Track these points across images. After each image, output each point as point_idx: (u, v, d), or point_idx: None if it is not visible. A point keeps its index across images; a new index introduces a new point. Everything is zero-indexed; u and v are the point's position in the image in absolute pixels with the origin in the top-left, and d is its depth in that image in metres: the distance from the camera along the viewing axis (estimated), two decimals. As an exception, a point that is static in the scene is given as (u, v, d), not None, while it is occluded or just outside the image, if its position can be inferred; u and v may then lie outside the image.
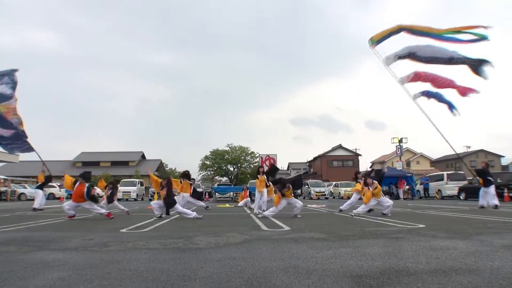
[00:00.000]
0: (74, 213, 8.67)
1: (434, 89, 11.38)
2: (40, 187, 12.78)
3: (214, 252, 3.75)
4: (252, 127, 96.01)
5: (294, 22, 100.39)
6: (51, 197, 28.61)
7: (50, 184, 31.59)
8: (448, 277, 2.59)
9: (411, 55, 11.06)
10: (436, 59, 10.79)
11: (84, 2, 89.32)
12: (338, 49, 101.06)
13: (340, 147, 52.69)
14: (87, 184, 8.43)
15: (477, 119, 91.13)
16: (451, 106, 11.35)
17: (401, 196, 23.28)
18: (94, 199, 8.33)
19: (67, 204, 8.57)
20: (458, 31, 10.60)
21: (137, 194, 26.55)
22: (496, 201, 10.67)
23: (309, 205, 15.13)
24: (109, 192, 9.50)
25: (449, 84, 11.01)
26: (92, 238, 5.02)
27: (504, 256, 3.35)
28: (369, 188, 8.76)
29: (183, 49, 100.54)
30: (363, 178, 9.81)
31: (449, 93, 11.28)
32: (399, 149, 31.85)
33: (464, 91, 10.78)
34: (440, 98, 11.42)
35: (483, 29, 10.17)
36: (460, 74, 10.73)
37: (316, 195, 27.18)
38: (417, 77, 11.32)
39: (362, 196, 9.39)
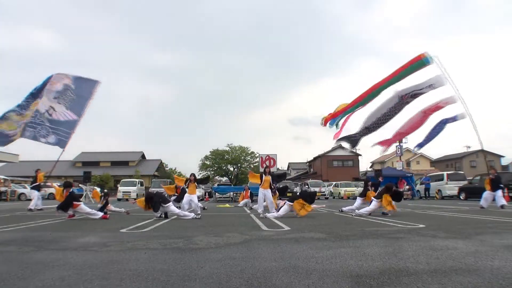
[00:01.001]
0: (73, 213, 8.68)
1: (418, 139, 11.79)
2: (36, 187, 12.70)
3: (214, 252, 3.75)
4: (252, 127, 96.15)
5: (293, 22, 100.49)
6: (51, 197, 28.62)
7: (49, 184, 31.62)
8: (448, 277, 2.59)
9: (365, 131, 11.10)
10: (386, 115, 10.64)
11: (84, 3, 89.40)
12: (337, 49, 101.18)
13: (340, 147, 52.49)
14: (70, 190, 8.83)
15: (477, 119, 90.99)
16: (446, 122, 11.45)
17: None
18: (66, 206, 8.43)
19: None
20: (401, 73, 10.30)
21: (137, 194, 26.53)
22: (504, 202, 11.07)
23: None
24: (104, 201, 9.72)
25: (416, 125, 11.10)
26: (91, 238, 5.02)
27: (504, 256, 3.35)
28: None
29: (183, 49, 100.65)
30: (373, 187, 9.95)
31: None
32: (399, 149, 31.83)
33: (432, 111, 10.85)
34: (430, 137, 11.59)
35: (423, 56, 9.95)
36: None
37: (316, 195, 27.18)
38: (388, 143, 11.45)
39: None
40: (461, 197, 19.24)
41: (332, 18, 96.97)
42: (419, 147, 11.86)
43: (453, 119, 11.28)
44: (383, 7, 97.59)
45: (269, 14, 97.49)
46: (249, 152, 55.74)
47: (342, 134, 11.46)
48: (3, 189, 25.58)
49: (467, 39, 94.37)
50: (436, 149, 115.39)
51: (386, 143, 11.42)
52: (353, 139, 11.35)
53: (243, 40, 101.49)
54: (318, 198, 26.74)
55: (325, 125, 11.69)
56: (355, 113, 11.45)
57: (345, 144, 11.70)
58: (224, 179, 58.01)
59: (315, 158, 55.93)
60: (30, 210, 11.82)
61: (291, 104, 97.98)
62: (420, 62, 9.88)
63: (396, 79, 10.28)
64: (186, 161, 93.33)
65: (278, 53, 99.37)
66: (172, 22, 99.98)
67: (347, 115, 11.53)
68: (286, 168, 71.33)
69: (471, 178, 21.08)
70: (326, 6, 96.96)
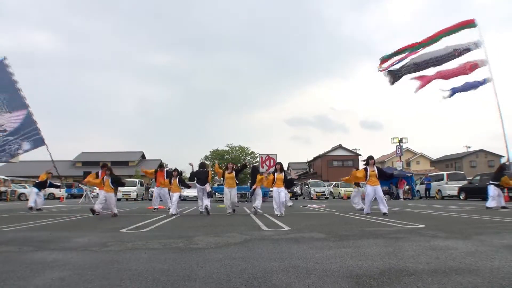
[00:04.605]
0: (100, 210, 9.30)
1: (458, 84, 12.34)
2: (37, 185, 12.67)
3: (214, 252, 3.75)
4: (251, 127, 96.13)
5: (291, 23, 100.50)
6: (50, 197, 28.61)
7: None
8: (448, 277, 2.59)
9: (413, 66, 11.92)
10: (436, 59, 11.59)
11: (84, 4, 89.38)
12: (335, 50, 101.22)
13: (340, 147, 52.69)
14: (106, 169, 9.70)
15: (477, 119, 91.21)
16: (479, 84, 11.91)
17: (401, 196, 23.28)
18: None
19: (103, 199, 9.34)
20: (446, 32, 11.90)
21: (137, 194, 26.56)
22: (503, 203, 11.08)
23: (309, 205, 15.13)
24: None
25: (458, 71, 11.78)
26: (91, 238, 5.02)
27: (504, 256, 3.35)
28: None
29: (182, 49, 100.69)
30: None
31: (463, 79, 12.20)
32: (399, 149, 31.85)
33: (472, 67, 11.60)
34: (465, 87, 12.03)
35: (472, 22, 11.48)
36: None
37: (316, 195, 27.17)
38: (425, 80, 12.04)
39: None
40: (461, 197, 19.25)
41: (330, 19, 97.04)
42: (451, 92, 12.27)
43: (482, 82, 12.03)
44: (380, 8, 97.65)
45: (268, 15, 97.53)
46: (249, 152, 55.76)
47: (389, 67, 12.35)
48: (3, 189, 25.58)
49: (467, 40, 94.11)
50: (436, 149, 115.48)
51: (423, 79, 12.18)
52: (397, 75, 12.19)
53: (242, 41, 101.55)
54: (318, 198, 26.73)
55: (380, 66, 12.35)
56: (406, 56, 12.51)
57: (388, 78, 12.39)
58: (224, 179, 57.93)
59: (315, 158, 55.95)
60: (31, 208, 11.82)
61: (291, 104, 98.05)
62: (469, 25, 11.64)
63: (445, 34, 11.91)
64: (186, 161, 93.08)
65: (276, 54, 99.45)
66: (172, 23, 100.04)
67: (400, 56, 12.53)
68: (286, 168, 71.32)
69: (471, 178, 21.08)
70: (324, 7, 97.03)
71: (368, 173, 8.89)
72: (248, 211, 11.02)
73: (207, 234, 5.36)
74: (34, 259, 3.49)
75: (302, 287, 2.40)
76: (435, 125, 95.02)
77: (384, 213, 8.61)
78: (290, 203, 13.78)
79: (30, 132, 11.88)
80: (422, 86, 12.16)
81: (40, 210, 12.08)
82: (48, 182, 12.87)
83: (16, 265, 3.19)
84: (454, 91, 12.10)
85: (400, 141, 31.98)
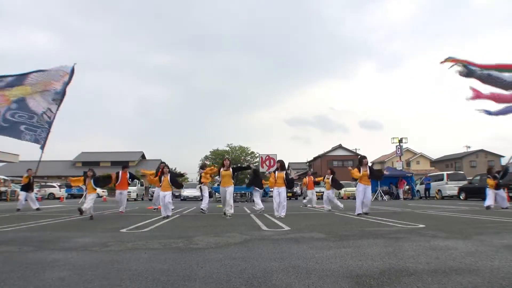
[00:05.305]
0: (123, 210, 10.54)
1: (494, 107, 12.43)
2: (23, 188, 12.64)
3: (214, 252, 3.75)
4: (251, 127, 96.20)
5: (291, 23, 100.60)
6: (50, 197, 28.61)
7: (49, 184, 31.41)
8: (448, 277, 2.59)
9: (486, 76, 12.03)
10: (502, 82, 11.87)
11: (84, 4, 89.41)
12: (335, 50, 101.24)
13: (340, 147, 52.68)
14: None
15: (477, 119, 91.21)
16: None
17: (401, 196, 23.28)
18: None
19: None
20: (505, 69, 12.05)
21: (137, 194, 26.58)
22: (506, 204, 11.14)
23: (309, 205, 15.14)
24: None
25: (508, 98, 11.88)
26: (91, 238, 5.02)
27: (504, 256, 3.35)
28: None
29: (183, 50, 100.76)
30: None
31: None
32: (399, 149, 31.82)
33: None
34: (503, 111, 12.13)
35: None
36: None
37: (316, 195, 27.16)
38: (479, 95, 12.18)
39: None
40: (461, 197, 19.24)
41: (330, 20, 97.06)
42: (487, 113, 12.37)
43: None
44: (379, 9, 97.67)
45: (267, 16, 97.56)
46: (249, 152, 55.75)
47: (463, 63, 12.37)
48: (3, 189, 25.54)
49: (465, 40, 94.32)
50: (436, 149, 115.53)
51: (477, 92, 12.26)
52: (470, 71, 12.20)
53: (242, 41, 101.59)
54: (318, 198, 26.72)
55: (448, 62, 12.34)
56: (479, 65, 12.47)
57: (459, 69, 12.34)
58: (224, 179, 57.86)
59: (315, 158, 55.94)
60: (18, 210, 11.81)
61: (290, 104, 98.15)
62: None
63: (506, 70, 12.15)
64: (186, 161, 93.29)
65: (276, 54, 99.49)
66: (172, 23, 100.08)
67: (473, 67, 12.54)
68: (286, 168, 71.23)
69: (471, 178, 21.08)
70: (324, 7, 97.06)
71: (361, 172, 9.15)
72: (248, 211, 11.03)
73: (207, 234, 5.36)
74: (34, 259, 3.49)
75: (302, 287, 2.40)
76: (435, 125, 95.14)
77: (365, 213, 9.06)
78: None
79: (49, 130, 12.10)
80: (473, 97, 12.23)
81: (38, 210, 12.06)
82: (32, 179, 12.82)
83: (16, 265, 3.19)
84: (489, 113, 12.27)
85: (400, 141, 31.93)
